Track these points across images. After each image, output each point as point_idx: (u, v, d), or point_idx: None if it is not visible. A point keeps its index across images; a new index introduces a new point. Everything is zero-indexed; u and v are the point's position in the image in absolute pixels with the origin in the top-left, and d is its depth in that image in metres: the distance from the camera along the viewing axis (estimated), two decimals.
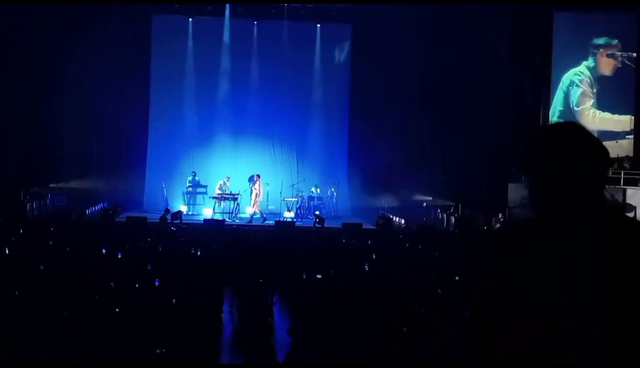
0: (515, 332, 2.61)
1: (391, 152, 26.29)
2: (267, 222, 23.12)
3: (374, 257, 13.19)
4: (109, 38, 25.01)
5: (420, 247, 15.13)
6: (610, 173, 19.95)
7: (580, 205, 2.67)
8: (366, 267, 11.85)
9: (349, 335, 8.31)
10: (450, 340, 7.67)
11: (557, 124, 2.92)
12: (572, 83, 24.60)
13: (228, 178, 25.18)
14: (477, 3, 23.14)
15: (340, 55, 27.84)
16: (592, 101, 24.68)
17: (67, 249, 13.17)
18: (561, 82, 24.65)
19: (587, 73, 24.66)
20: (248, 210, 24.62)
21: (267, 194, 25.66)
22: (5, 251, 12.42)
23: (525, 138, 2.89)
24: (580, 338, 2.55)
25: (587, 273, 2.57)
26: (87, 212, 22.57)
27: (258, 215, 24.20)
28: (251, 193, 24.55)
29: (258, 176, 24.71)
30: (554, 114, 24.49)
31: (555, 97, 24.66)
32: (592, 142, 2.72)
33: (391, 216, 22.87)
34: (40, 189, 24.21)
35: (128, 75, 26.15)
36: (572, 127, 2.79)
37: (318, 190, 25.78)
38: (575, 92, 24.58)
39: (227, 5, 26.97)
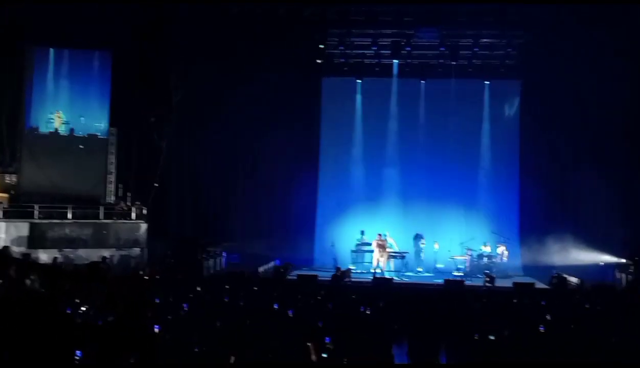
0: None
1: (564, 208, 25.51)
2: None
3: (548, 317, 12.71)
4: (279, 99, 25.98)
5: (598, 308, 14.43)
6: None
7: None
8: (541, 328, 11.42)
9: None
10: None
11: None
12: None
13: (384, 234, 25.16)
14: None
15: (510, 111, 27.41)
16: None
17: (241, 303, 13.52)
18: None
19: None
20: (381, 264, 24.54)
21: (436, 253, 25.45)
22: (184, 307, 12.88)
23: None
24: None
25: None
26: (259, 269, 23.11)
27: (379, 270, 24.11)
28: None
29: (379, 235, 24.78)
30: None
31: None
32: None
33: (565, 275, 22.02)
34: (216, 248, 25.10)
35: (298, 136, 26.98)
36: None
37: (488, 248, 25.25)
38: None
39: (395, 66, 27.25)
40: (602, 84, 23.91)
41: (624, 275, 22.52)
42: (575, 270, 23.00)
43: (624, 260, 23.54)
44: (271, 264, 24.47)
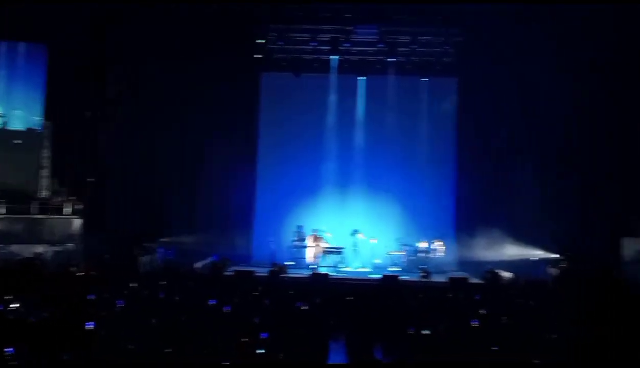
0: None
1: (499, 205, 25.88)
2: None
3: (482, 312, 12.91)
4: (217, 94, 25.89)
5: (531, 303, 14.71)
6: None
7: None
8: (475, 322, 11.60)
9: None
10: None
11: None
12: None
13: (321, 230, 25.43)
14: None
15: (447, 108, 27.68)
16: None
17: (177, 298, 13.46)
18: None
19: None
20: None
21: (373, 248, 25.65)
22: (119, 304, 12.76)
23: None
24: None
25: None
26: (196, 265, 22.95)
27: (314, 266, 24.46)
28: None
29: (315, 231, 25.24)
30: None
31: None
32: None
33: (498, 270, 22.38)
34: (152, 244, 24.85)
35: (236, 130, 26.87)
36: None
37: (424, 243, 25.53)
38: None
39: (335, 62, 27.35)
40: (536, 82, 24.42)
41: (555, 270, 22.99)
42: (509, 265, 23.40)
43: (555, 255, 24.05)
44: (208, 260, 24.33)
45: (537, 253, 24.80)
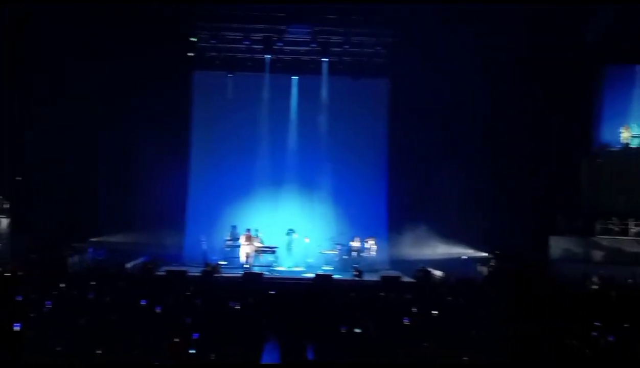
0: None
1: (430, 204, 26.17)
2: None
3: (413, 310, 13.05)
4: (150, 92, 25.57)
5: (461, 300, 14.93)
6: None
7: None
8: (407, 320, 11.72)
9: None
10: None
11: None
12: None
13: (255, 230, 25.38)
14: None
15: (378, 108, 27.78)
16: None
17: (107, 299, 13.29)
18: None
19: None
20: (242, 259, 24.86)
21: (306, 247, 25.70)
22: (47, 304, 12.53)
23: None
24: None
25: None
26: (127, 265, 22.66)
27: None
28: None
29: (248, 230, 25.09)
30: None
31: None
32: None
33: (430, 269, 22.65)
34: (81, 244, 24.45)
35: (169, 129, 26.55)
36: None
37: (357, 243, 25.66)
38: None
39: (268, 61, 27.28)
40: (465, 83, 24.85)
41: (485, 269, 23.39)
42: (440, 263, 23.70)
43: (485, 254, 24.47)
44: (139, 260, 24.04)
45: (468, 252, 25.21)
